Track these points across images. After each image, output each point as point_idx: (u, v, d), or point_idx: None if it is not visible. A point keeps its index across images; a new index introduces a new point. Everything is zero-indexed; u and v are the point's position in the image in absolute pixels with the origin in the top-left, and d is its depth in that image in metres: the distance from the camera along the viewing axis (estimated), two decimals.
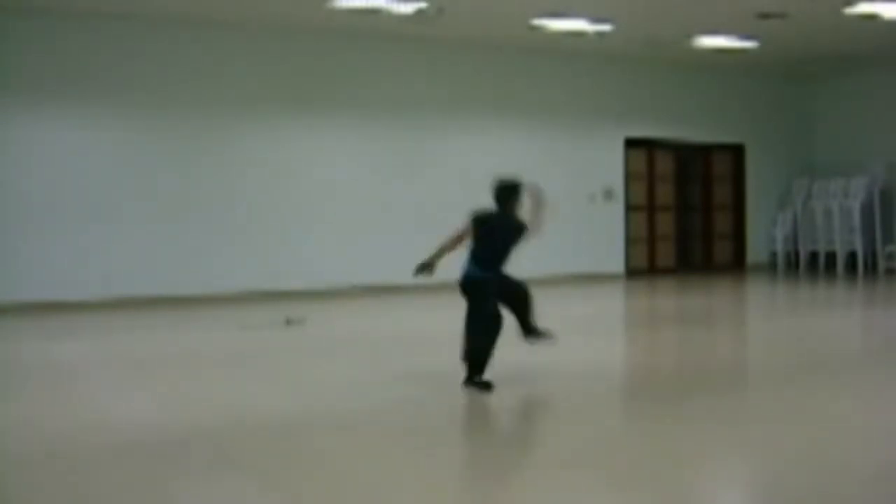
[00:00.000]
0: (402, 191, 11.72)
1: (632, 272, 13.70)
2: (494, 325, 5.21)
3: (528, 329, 5.53)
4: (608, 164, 13.46)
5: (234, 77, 10.77)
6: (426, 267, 5.37)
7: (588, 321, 8.83)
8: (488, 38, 11.83)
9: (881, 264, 13.64)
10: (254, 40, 10.86)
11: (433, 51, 11.96)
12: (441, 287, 11.70)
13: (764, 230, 15.06)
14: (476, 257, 5.32)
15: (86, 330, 8.29)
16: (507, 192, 5.36)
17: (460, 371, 5.32)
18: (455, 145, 12.13)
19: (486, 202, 5.36)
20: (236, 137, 10.80)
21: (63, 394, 5.43)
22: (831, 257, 14.18)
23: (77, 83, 9.98)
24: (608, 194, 13.42)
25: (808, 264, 14.49)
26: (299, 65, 11.16)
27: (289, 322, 8.35)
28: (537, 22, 10.79)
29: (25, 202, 9.73)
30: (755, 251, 15.02)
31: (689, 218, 14.89)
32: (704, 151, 14.79)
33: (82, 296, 9.90)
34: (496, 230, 5.33)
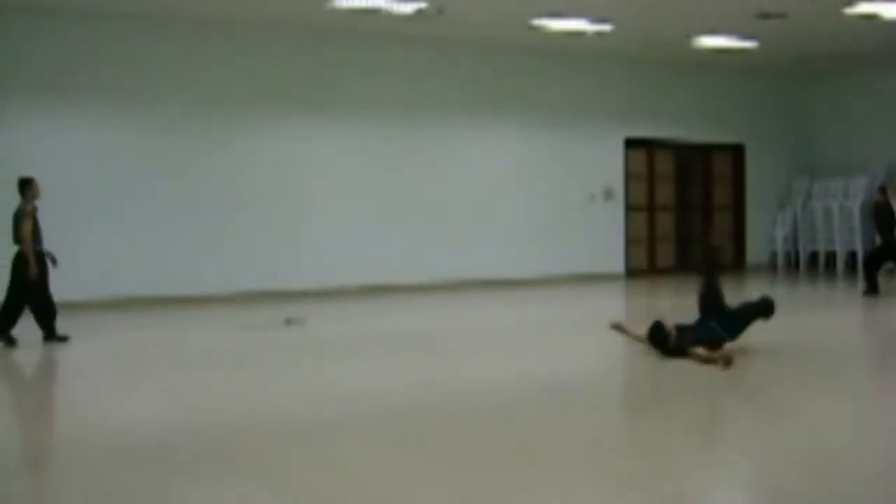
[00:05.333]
0: (401, 190, 11.69)
1: (632, 272, 13.69)
2: None
3: None
4: (608, 164, 13.45)
5: (234, 77, 10.77)
6: None
7: (587, 321, 8.81)
8: (488, 38, 11.83)
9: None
10: (253, 40, 10.85)
11: (433, 51, 11.95)
12: (440, 287, 11.71)
13: (764, 230, 15.05)
14: None
15: (86, 330, 8.29)
16: None
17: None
18: (455, 145, 12.11)
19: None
20: (236, 137, 10.79)
21: (63, 394, 5.43)
22: (831, 257, 14.17)
23: (77, 83, 9.98)
24: (608, 194, 13.42)
25: (808, 264, 14.48)
26: (299, 65, 11.16)
27: (289, 322, 8.35)
28: (537, 22, 10.79)
29: None
30: (755, 251, 15.01)
31: (689, 218, 14.88)
32: (704, 151, 14.78)
33: (82, 296, 9.89)
34: None
